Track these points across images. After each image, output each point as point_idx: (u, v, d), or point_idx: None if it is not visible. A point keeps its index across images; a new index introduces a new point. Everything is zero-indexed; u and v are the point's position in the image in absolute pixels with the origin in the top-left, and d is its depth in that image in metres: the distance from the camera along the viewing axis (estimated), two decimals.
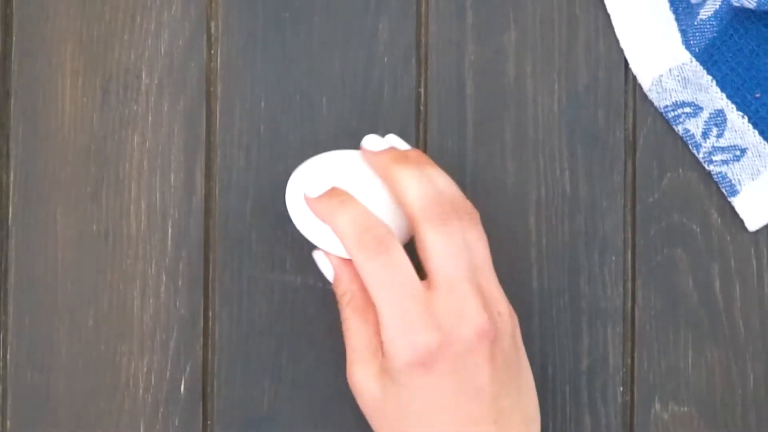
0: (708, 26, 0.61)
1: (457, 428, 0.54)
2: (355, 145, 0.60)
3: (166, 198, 0.62)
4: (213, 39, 0.62)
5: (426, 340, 0.53)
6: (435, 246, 0.54)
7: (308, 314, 0.61)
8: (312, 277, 0.60)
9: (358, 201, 0.56)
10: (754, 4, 0.58)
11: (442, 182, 0.56)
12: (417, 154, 0.56)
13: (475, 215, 0.56)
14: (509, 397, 0.56)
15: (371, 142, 0.57)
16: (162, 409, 0.61)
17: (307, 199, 0.56)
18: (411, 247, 0.57)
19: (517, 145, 0.62)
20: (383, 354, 0.55)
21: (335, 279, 0.58)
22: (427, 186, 0.55)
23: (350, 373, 0.56)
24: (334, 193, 0.56)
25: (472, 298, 0.55)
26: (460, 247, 0.55)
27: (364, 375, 0.55)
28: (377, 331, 0.56)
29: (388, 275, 0.54)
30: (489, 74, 0.62)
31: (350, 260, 0.57)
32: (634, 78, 0.62)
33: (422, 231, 0.54)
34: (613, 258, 0.62)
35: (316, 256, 0.58)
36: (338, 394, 0.61)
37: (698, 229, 0.62)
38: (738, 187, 0.61)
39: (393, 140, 0.58)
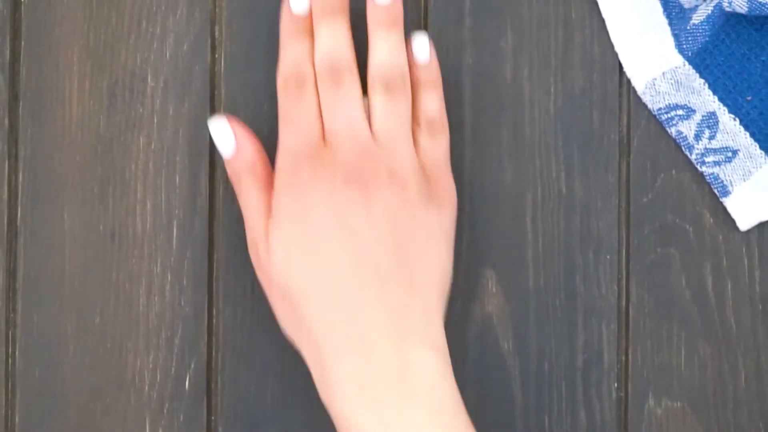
0: (700, 31, 0.61)
1: (325, 269, 0.55)
2: None
3: (171, 198, 0.62)
4: (217, 43, 0.62)
5: (309, 133, 0.55)
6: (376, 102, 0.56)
7: None
8: None
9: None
10: (746, 9, 0.59)
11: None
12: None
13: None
14: (392, 257, 0.56)
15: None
16: (167, 405, 0.61)
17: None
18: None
19: (514, 146, 0.62)
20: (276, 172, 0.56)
21: (237, 150, 0.58)
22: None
23: (251, 242, 0.57)
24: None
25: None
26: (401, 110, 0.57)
27: (260, 242, 0.56)
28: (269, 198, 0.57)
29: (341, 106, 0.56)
30: (487, 77, 0.62)
31: (253, 136, 0.58)
32: (629, 81, 0.62)
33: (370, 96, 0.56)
34: (608, 257, 0.62)
35: (214, 124, 0.59)
36: None
37: (691, 229, 0.62)
38: (730, 188, 0.62)
39: None
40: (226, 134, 0.58)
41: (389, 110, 0.57)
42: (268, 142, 0.62)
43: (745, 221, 0.62)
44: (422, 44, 0.58)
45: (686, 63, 0.61)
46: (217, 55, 0.62)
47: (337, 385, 0.55)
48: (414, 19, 0.62)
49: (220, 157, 0.62)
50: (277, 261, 0.56)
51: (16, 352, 0.62)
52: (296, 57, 0.57)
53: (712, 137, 0.62)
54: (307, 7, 0.57)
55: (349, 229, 0.55)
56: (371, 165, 0.55)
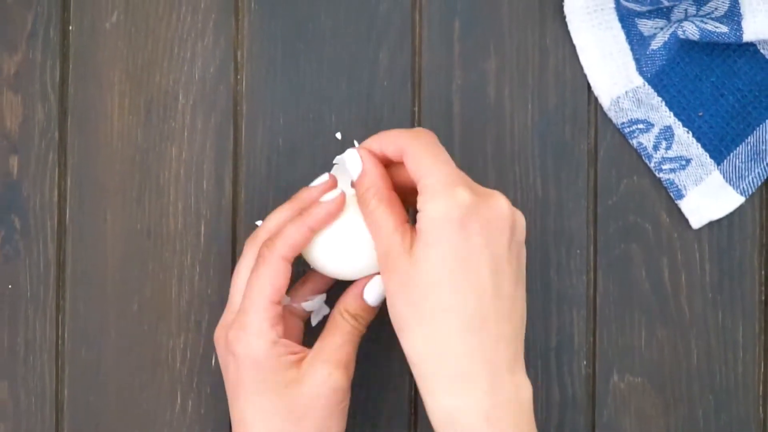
0: (658, 55, 0.63)
1: (474, 293, 0.53)
2: None
3: (199, 200, 0.63)
4: (239, 66, 0.64)
5: (464, 195, 0.53)
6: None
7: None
8: None
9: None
10: (698, 37, 0.61)
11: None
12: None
13: None
14: (513, 293, 0.54)
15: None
16: (196, 380, 0.63)
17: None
18: None
19: (496, 155, 0.64)
20: (421, 219, 0.53)
21: (362, 174, 0.56)
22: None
23: (383, 255, 0.54)
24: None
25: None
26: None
27: (397, 253, 0.53)
28: (403, 220, 0.54)
29: (435, 145, 0.55)
30: (473, 96, 0.64)
31: (378, 162, 0.56)
32: (596, 99, 0.64)
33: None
34: (578, 252, 0.64)
35: (348, 153, 0.56)
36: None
37: (650, 228, 0.64)
38: (684, 192, 0.64)
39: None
40: (355, 160, 0.56)
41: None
42: (286, 153, 0.63)
43: (696, 221, 0.64)
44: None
45: (646, 83, 0.63)
46: (239, 77, 0.64)
47: (461, 415, 0.53)
48: (410, 45, 0.64)
49: (242, 165, 0.64)
50: (426, 273, 0.53)
51: (65, 335, 0.63)
52: None
53: (668, 148, 0.64)
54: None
55: (496, 266, 0.53)
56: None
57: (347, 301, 0.57)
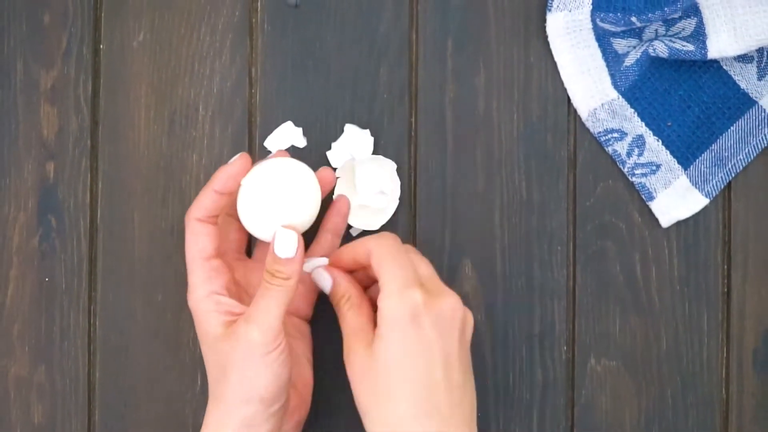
0: (631, 71, 0.64)
1: (425, 383, 0.55)
2: None
3: None
4: (253, 81, 0.64)
5: (416, 295, 0.55)
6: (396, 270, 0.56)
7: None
8: None
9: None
10: (667, 55, 0.63)
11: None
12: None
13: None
14: (463, 384, 0.56)
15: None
16: None
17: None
18: None
19: (485, 161, 0.65)
20: (379, 316, 0.55)
21: (334, 285, 0.59)
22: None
23: (347, 349, 0.56)
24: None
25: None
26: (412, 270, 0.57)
27: (359, 348, 0.56)
28: (369, 319, 0.57)
29: (396, 250, 0.57)
30: (464, 107, 0.65)
31: (346, 271, 0.58)
32: (575, 111, 0.65)
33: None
34: (559, 248, 0.65)
35: (316, 273, 0.59)
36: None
37: (624, 226, 0.65)
38: (654, 194, 0.64)
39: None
40: (324, 277, 0.59)
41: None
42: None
43: (665, 220, 0.65)
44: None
45: (620, 96, 0.64)
46: (253, 91, 0.64)
47: None
48: (407, 62, 0.64)
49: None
50: (381, 363, 0.55)
51: (96, 323, 0.64)
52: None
53: (640, 154, 0.64)
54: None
55: (446, 358, 0.55)
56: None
57: (266, 260, 0.58)
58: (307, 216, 0.58)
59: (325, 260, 0.60)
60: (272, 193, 0.57)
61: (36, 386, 0.65)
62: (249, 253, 0.64)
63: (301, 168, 0.59)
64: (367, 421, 0.55)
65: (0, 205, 0.65)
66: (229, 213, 0.61)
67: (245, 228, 0.59)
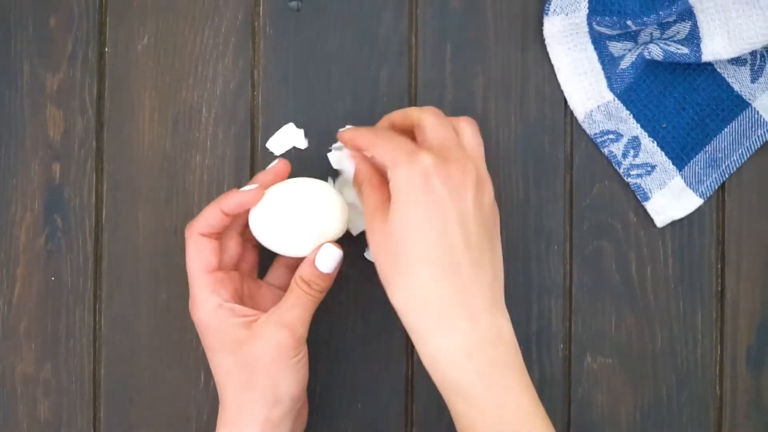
0: (627, 74, 0.65)
1: (443, 243, 0.54)
2: None
3: None
4: (256, 83, 0.65)
5: (426, 158, 0.55)
6: (428, 122, 0.56)
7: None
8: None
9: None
10: (662, 58, 0.63)
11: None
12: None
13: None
14: (483, 246, 0.55)
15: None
16: None
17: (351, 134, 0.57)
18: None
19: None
20: (391, 186, 0.55)
21: (357, 170, 0.59)
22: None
23: (368, 226, 0.56)
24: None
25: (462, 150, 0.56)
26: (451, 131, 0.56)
27: (377, 222, 0.56)
28: (388, 198, 0.56)
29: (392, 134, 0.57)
30: (463, 110, 0.65)
31: (366, 159, 0.58)
32: (572, 112, 0.65)
33: (421, 120, 0.57)
34: (556, 247, 0.65)
35: (342, 159, 0.59)
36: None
37: (619, 226, 0.66)
38: (649, 194, 0.65)
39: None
40: (348, 162, 0.59)
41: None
42: (298, 160, 0.64)
43: (660, 220, 0.66)
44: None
45: (616, 99, 0.65)
46: (255, 93, 0.65)
47: (446, 353, 0.54)
48: (407, 64, 0.65)
49: (258, 169, 0.64)
50: (398, 229, 0.55)
51: (102, 321, 0.65)
52: None
53: (635, 156, 0.65)
54: None
55: (462, 218, 0.55)
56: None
57: (302, 268, 0.59)
58: (339, 231, 0.59)
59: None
60: (307, 210, 0.58)
61: (42, 383, 0.65)
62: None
63: (325, 186, 0.60)
64: (390, 291, 0.55)
65: (7, 205, 0.65)
66: (232, 228, 0.61)
67: (266, 245, 0.59)
